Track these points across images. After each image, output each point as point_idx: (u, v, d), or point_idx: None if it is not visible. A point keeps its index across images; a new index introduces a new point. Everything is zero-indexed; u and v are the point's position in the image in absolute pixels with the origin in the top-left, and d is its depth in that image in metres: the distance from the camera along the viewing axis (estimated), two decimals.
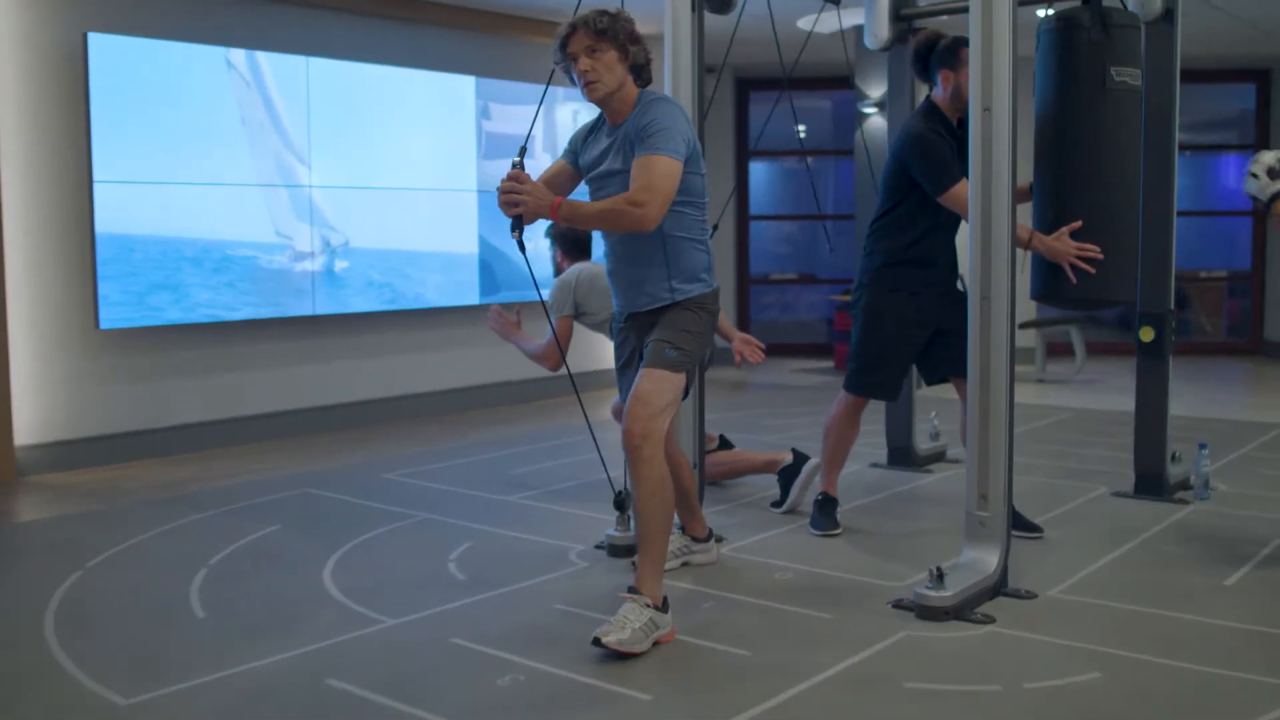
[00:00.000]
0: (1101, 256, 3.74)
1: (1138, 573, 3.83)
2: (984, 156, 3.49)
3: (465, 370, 7.70)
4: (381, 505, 4.89)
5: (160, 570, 3.99)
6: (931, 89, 4.51)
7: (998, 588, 3.55)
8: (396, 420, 7.25)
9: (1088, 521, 4.49)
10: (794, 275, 11.54)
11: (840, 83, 9.76)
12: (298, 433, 6.76)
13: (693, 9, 4.24)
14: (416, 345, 7.44)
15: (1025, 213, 3.90)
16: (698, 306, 3.41)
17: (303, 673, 3.03)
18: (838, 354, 9.77)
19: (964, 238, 4.17)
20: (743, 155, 10.65)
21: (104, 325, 5.85)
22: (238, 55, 6.30)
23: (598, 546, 4.17)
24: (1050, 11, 4.09)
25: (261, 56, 6.40)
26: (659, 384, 3.26)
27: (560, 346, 4.68)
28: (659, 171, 3.18)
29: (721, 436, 5.18)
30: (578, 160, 3.55)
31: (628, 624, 3.09)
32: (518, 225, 3.20)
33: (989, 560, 3.54)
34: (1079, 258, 3.74)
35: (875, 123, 8.22)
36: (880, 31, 5.17)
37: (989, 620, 3.34)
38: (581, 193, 3.56)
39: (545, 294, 4.73)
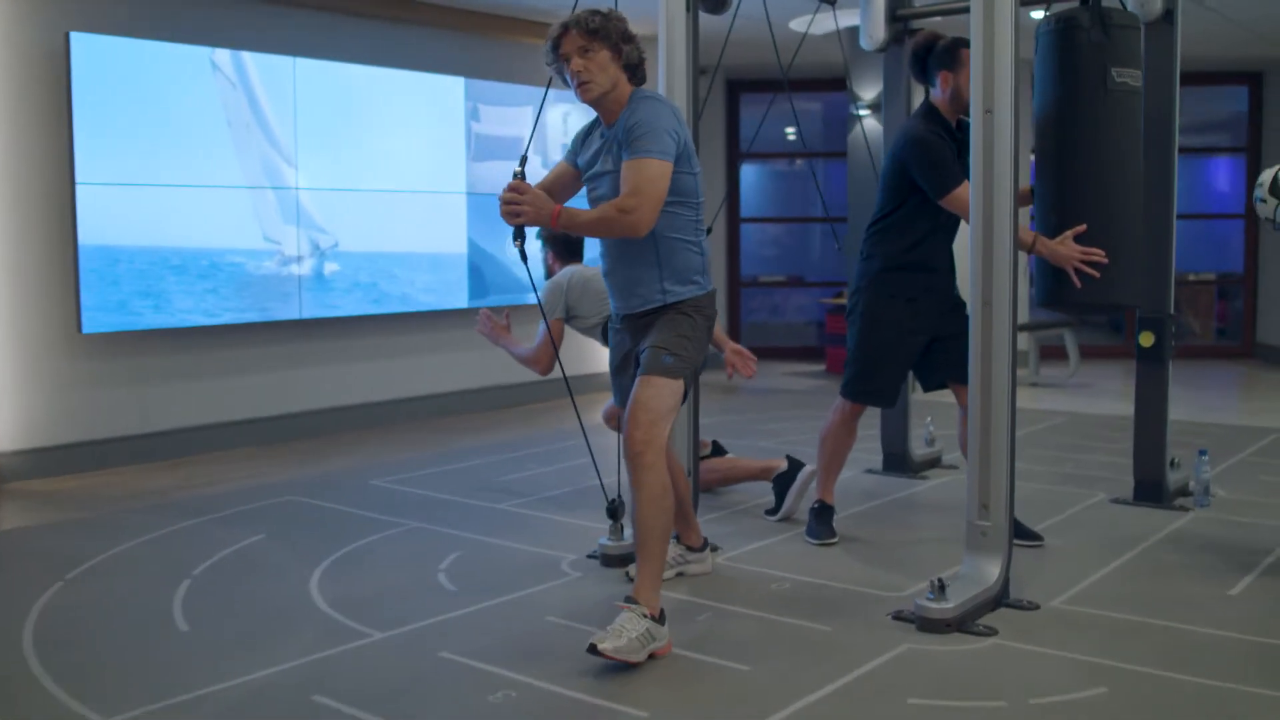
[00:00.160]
0: (1106, 260, 3.67)
1: (1140, 582, 3.77)
2: (986, 159, 3.43)
3: (454, 374, 7.61)
4: (369, 513, 4.80)
5: (143, 581, 3.90)
6: (927, 90, 4.46)
7: (999, 599, 3.48)
8: (384, 425, 7.16)
9: (1088, 529, 4.42)
10: (782, 278, 11.48)
11: (831, 85, 9.72)
12: (284, 438, 6.66)
13: (687, 9, 4.17)
14: (404, 349, 7.35)
15: (1024, 215, 3.84)
16: (693, 310, 3.34)
17: (288, 689, 2.95)
18: (829, 357, 9.71)
19: (962, 242, 4.13)
20: (733, 158, 10.59)
21: (86, 329, 5.75)
22: (223, 55, 6.21)
23: (590, 556, 4.09)
24: (1045, 13, 4.02)
25: (247, 57, 6.31)
26: (658, 390, 3.20)
27: (553, 350, 4.59)
28: (646, 175, 3.13)
29: (714, 443, 5.11)
30: (578, 161, 3.49)
31: (624, 632, 3.02)
32: (519, 235, 3.24)
33: (990, 570, 3.48)
34: (1083, 262, 3.67)
35: (869, 125, 8.15)
36: (876, 32, 5.11)
37: (991, 632, 3.28)
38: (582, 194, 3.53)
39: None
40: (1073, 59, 3.76)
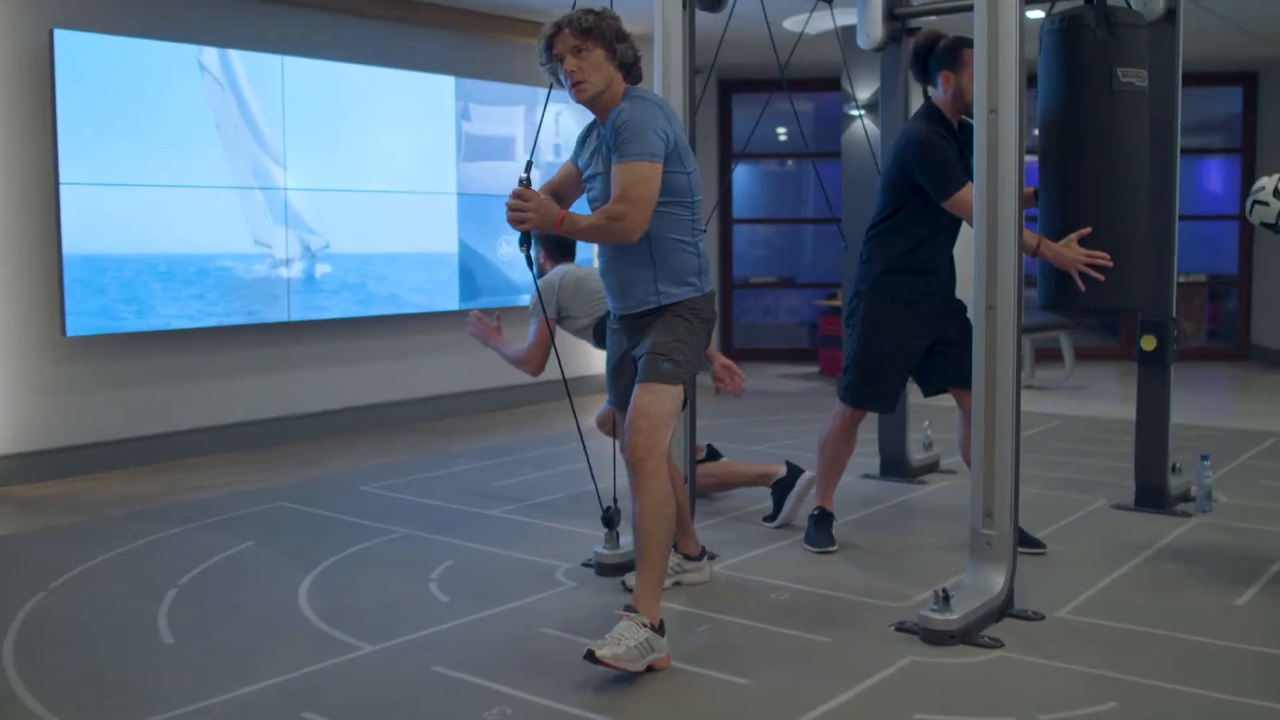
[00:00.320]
0: (1111, 264, 3.60)
1: (1146, 592, 3.70)
2: (990, 160, 3.36)
3: (445, 377, 7.52)
4: (359, 520, 4.72)
5: (128, 591, 3.80)
6: (926, 91, 4.39)
7: (1004, 609, 3.41)
8: (374, 429, 7.07)
9: (1090, 536, 4.36)
10: (773, 279, 11.41)
11: (824, 85, 9.65)
12: (272, 442, 6.56)
13: (683, 7, 4.10)
14: (395, 351, 7.26)
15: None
16: (689, 312, 3.26)
17: (276, 704, 2.86)
18: (823, 359, 9.64)
19: (963, 245, 4.06)
20: (726, 158, 10.52)
21: (70, 332, 5.65)
22: (210, 54, 6.11)
23: (585, 564, 4.01)
24: (1047, 12, 3.95)
25: (235, 55, 6.21)
26: (658, 397, 3.14)
27: (551, 349, 4.53)
28: (633, 179, 3.08)
29: (709, 446, 5.03)
30: (579, 162, 3.45)
31: (623, 640, 2.95)
32: (525, 240, 3.25)
33: (995, 580, 3.41)
34: (1088, 265, 3.60)
35: (865, 125, 8.07)
36: (873, 31, 5.04)
37: (997, 644, 3.20)
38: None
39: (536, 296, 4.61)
40: (1078, 59, 3.69)
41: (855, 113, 8.16)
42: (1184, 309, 10.66)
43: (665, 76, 4.08)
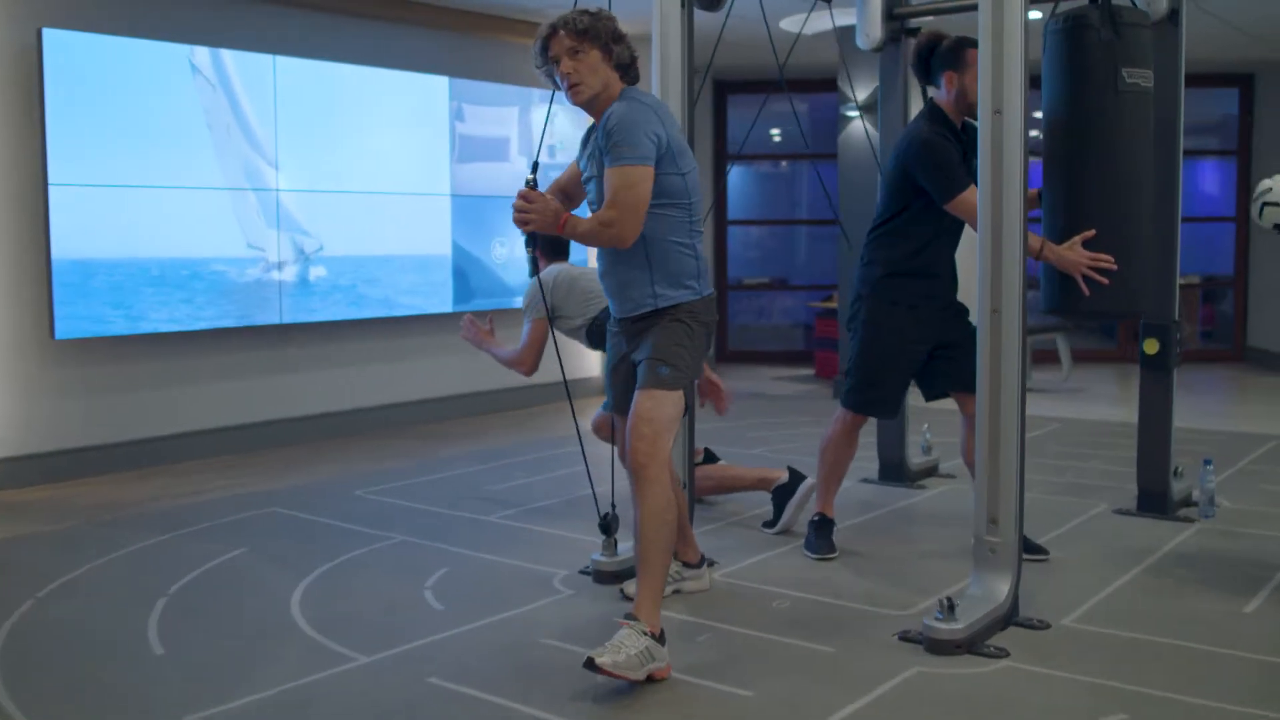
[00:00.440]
0: (1115, 267, 3.55)
1: (1152, 599, 3.65)
2: (994, 161, 3.30)
3: (438, 379, 7.45)
4: (352, 526, 4.65)
5: (117, 600, 3.73)
6: (925, 92, 4.34)
7: (1009, 617, 3.36)
8: (367, 432, 7.00)
9: (1093, 542, 4.31)
10: (766, 280, 11.35)
11: (819, 86, 9.61)
12: (264, 446, 6.49)
13: (682, 6, 4.03)
14: (388, 354, 7.19)
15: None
16: (688, 316, 3.21)
17: (268, 718, 2.80)
18: (818, 361, 9.58)
19: (965, 248, 4.01)
20: (721, 160, 10.47)
21: (59, 335, 5.57)
22: (201, 53, 6.04)
23: (583, 571, 3.95)
24: (1051, 12, 3.90)
25: (226, 56, 6.14)
26: (658, 402, 3.10)
27: (544, 349, 4.54)
28: (623, 184, 3.04)
29: (706, 450, 4.98)
30: (581, 163, 3.41)
31: (623, 648, 2.89)
32: (532, 242, 3.25)
33: (1000, 588, 3.35)
34: (1092, 268, 3.55)
35: (858, 126, 8.04)
36: (873, 31, 4.99)
37: (1003, 654, 3.15)
38: None
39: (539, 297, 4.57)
40: (1082, 59, 3.64)
41: (852, 113, 8.14)
42: (1183, 311, 10.64)
43: (663, 77, 4.02)
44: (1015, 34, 3.26)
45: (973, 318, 4.02)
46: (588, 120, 3.36)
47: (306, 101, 6.51)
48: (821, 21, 6.07)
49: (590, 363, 8.28)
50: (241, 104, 6.22)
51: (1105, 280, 3.55)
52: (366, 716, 2.81)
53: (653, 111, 3.14)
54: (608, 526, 3.85)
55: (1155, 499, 4.67)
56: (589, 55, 3.16)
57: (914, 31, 5.12)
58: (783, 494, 4.46)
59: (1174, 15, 4.46)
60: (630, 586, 3.66)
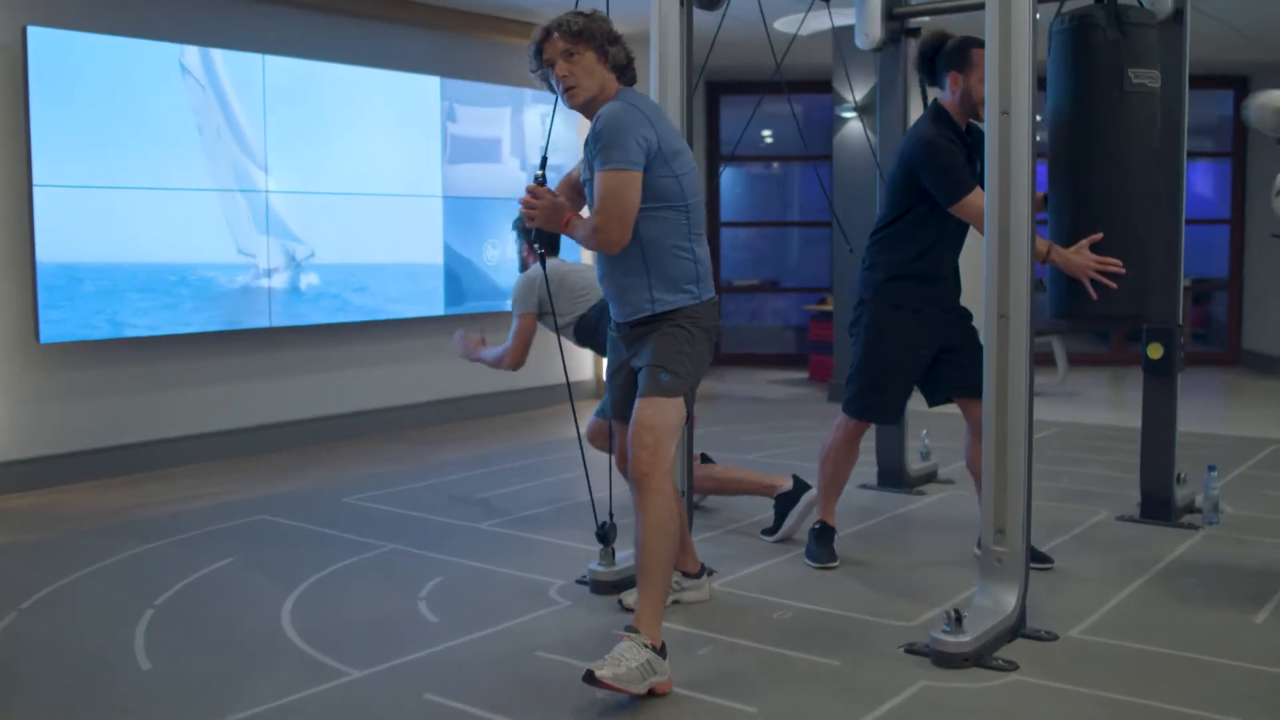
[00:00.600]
0: (1124, 271, 3.49)
1: (1160, 609, 3.58)
2: (1002, 163, 3.23)
3: (429, 383, 7.35)
4: (343, 534, 4.56)
5: (103, 612, 3.64)
6: (924, 93, 4.27)
7: (1016, 629, 3.29)
8: (357, 437, 6.90)
9: (1097, 550, 4.24)
10: (757, 282, 11.28)
11: (814, 87, 9.55)
12: (253, 452, 6.39)
13: (680, 5, 3.95)
14: (378, 358, 7.10)
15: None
16: (687, 321, 3.13)
17: None
18: (813, 364, 9.52)
19: (970, 252, 3.94)
20: (714, 161, 10.39)
21: (44, 339, 5.47)
22: (190, 52, 5.94)
23: (580, 581, 3.86)
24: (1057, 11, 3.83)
25: (216, 56, 6.04)
26: (660, 409, 3.02)
27: (524, 345, 4.57)
28: (607, 190, 2.99)
29: (703, 455, 4.90)
30: None
31: (624, 660, 2.82)
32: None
33: (1007, 599, 3.28)
34: (1100, 272, 3.49)
35: (858, 127, 7.98)
36: (872, 31, 4.92)
37: (1012, 667, 3.08)
38: None
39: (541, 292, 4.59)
40: (1088, 59, 3.57)
41: (849, 114, 8.07)
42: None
43: (662, 77, 3.94)
44: (1023, 33, 3.19)
45: (977, 323, 3.97)
46: (579, 120, 3.28)
47: (296, 102, 6.42)
48: (815, 22, 6.01)
49: (584, 365, 8.20)
50: (231, 104, 6.12)
51: (1114, 284, 3.49)
52: None
53: (642, 114, 3.06)
54: (605, 535, 3.77)
55: (1159, 506, 4.61)
56: (584, 57, 3.11)
57: (914, 31, 5.06)
58: (785, 502, 4.39)
59: (1178, 15, 4.40)
60: (629, 597, 3.59)
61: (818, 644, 3.28)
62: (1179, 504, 4.62)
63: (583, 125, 6.99)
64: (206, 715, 2.82)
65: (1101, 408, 7.94)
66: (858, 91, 7.74)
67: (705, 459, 4.88)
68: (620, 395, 3.32)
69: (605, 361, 4.41)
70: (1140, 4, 3.81)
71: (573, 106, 3.17)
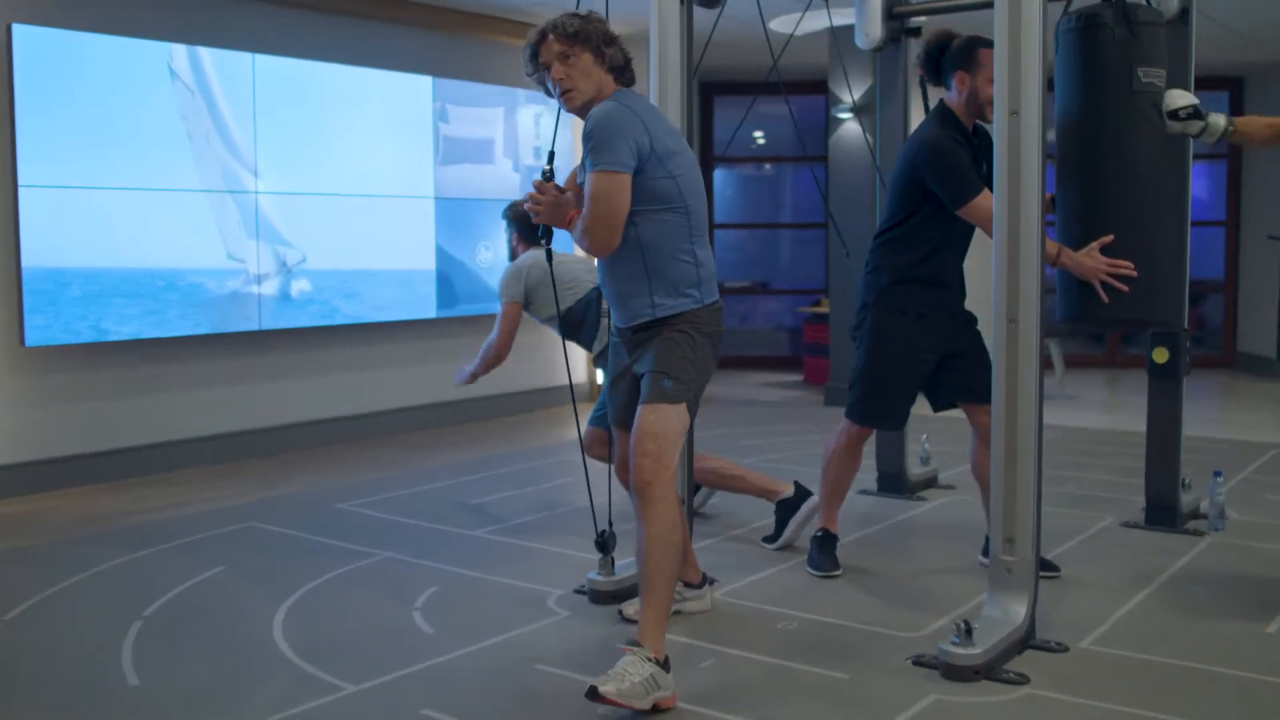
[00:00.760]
0: (1135, 273, 3.42)
1: (1170, 619, 3.52)
2: (1011, 164, 3.17)
3: (421, 387, 7.26)
4: (335, 542, 4.48)
5: (89, 624, 3.55)
6: (925, 93, 4.21)
7: (1026, 640, 3.22)
8: (349, 442, 6.81)
9: (1104, 558, 4.18)
10: (747, 284, 11.20)
11: (808, 88, 9.49)
12: (243, 456, 6.30)
13: (681, 3, 3.88)
14: (369, 361, 7.00)
15: None
16: (689, 326, 3.05)
17: None
18: (807, 367, 9.45)
19: (974, 257, 3.88)
20: (707, 162, 10.32)
21: (29, 342, 5.37)
22: (178, 51, 5.84)
23: (578, 591, 3.78)
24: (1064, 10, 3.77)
25: (204, 52, 5.95)
26: (662, 416, 2.95)
27: (509, 333, 4.60)
28: (595, 192, 2.93)
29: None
30: None
31: (628, 675, 2.75)
32: (546, 234, 3.30)
33: (1016, 610, 3.21)
34: (1111, 275, 3.42)
35: (853, 128, 7.91)
36: (873, 31, 4.85)
37: (1023, 680, 3.01)
38: None
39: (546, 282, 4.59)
40: (1096, 58, 3.52)
41: (845, 115, 8.01)
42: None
43: (662, 76, 3.87)
44: (1033, 31, 3.13)
45: (982, 327, 3.90)
46: (574, 119, 3.21)
47: (286, 101, 6.32)
48: (810, 22, 5.94)
49: (583, 367, 8.11)
50: (220, 104, 6.02)
51: (1125, 288, 3.42)
52: None
53: (634, 113, 2.98)
54: (604, 544, 3.70)
55: (1164, 511, 4.54)
56: (580, 59, 3.05)
57: (915, 31, 5.00)
58: (786, 509, 4.32)
59: (1185, 14, 4.34)
60: (629, 608, 3.52)
61: (823, 656, 3.21)
62: (1184, 510, 4.56)
63: (578, 126, 6.91)
64: None
65: (1098, 411, 7.89)
66: (855, 92, 7.67)
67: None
68: (623, 403, 3.24)
69: (591, 360, 4.37)
70: (1148, 3, 3.75)
71: (570, 110, 3.11)
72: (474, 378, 4.79)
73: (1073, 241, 3.51)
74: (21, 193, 5.29)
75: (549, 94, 3.14)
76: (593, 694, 2.71)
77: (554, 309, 4.58)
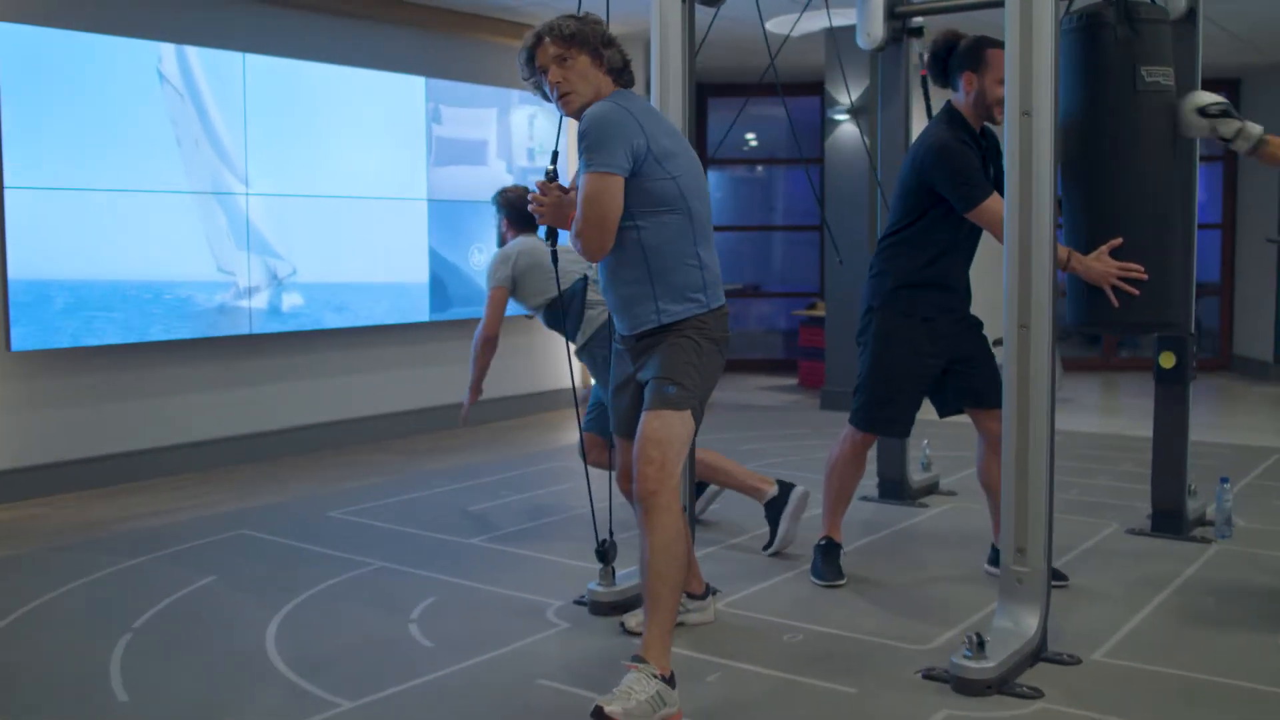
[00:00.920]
0: (1145, 277, 3.36)
1: (1181, 630, 3.45)
2: (1023, 166, 3.10)
3: (414, 391, 7.17)
4: (329, 550, 4.39)
5: (77, 636, 3.46)
6: (926, 94, 4.15)
7: (1038, 652, 3.15)
8: (342, 447, 6.72)
9: (1111, 566, 4.11)
10: (738, 286, 11.12)
11: (804, 89, 9.43)
12: (234, 462, 6.21)
13: (682, 2, 3.80)
14: (362, 365, 6.92)
15: None
16: (695, 332, 2.98)
17: None
18: (803, 370, 9.38)
19: (980, 261, 3.81)
20: (701, 163, 10.22)
21: (15, 347, 5.28)
22: (167, 54, 5.75)
23: (578, 602, 3.70)
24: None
25: (192, 52, 5.86)
26: (667, 423, 2.87)
27: (496, 317, 4.62)
28: (587, 194, 2.87)
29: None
30: None
31: (633, 694, 2.68)
32: (550, 235, 3.25)
33: (1028, 621, 3.14)
34: (1122, 278, 3.36)
35: (849, 130, 7.85)
36: (874, 31, 4.78)
37: (1037, 694, 2.94)
38: None
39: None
40: (1099, 58, 3.46)
41: (841, 117, 7.94)
42: None
43: (663, 76, 3.81)
44: (1045, 31, 3.06)
45: (988, 331, 3.84)
46: (568, 120, 3.13)
47: (277, 101, 6.24)
48: (807, 23, 5.87)
49: (579, 370, 8.03)
50: (209, 105, 5.93)
51: (1135, 291, 3.36)
52: None
53: (630, 114, 2.91)
54: (605, 554, 3.62)
55: (1170, 518, 4.48)
56: (578, 61, 2.98)
57: (916, 31, 4.93)
58: (775, 508, 4.26)
59: (1192, 14, 4.28)
60: (631, 620, 3.45)
61: (831, 669, 3.13)
62: (1190, 517, 4.50)
63: (572, 126, 6.83)
64: None
65: (1097, 415, 7.84)
66: (852, 94, 7.61)
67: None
68: (626, 411, 3.16)
69: (575, 352, 4.32)
70: (1153, 1, 3.69)
71: (568, 114, 3.03)
72: (474, 392, 4.77)
73: (1079, 245, 3.45)
74: (7, 194, 5.20)
75: (546, 98, 3.08)
76: (598, 714, 2.64)
77: (540, 298, 4.58)
